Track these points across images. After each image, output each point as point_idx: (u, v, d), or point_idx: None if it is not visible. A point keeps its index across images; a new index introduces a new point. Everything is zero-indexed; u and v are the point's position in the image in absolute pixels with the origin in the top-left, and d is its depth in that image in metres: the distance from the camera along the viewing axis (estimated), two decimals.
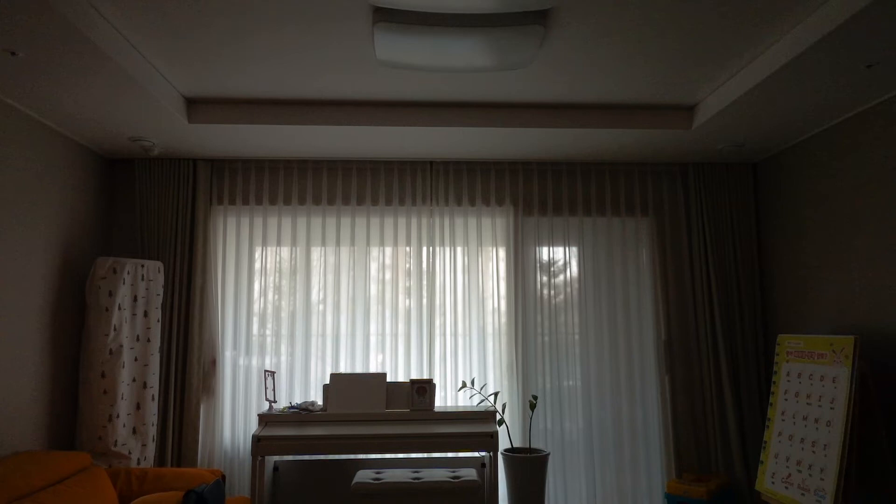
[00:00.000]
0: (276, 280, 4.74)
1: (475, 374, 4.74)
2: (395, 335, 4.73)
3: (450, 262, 4.82)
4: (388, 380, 4.49)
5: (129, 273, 4.04)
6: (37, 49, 2.90)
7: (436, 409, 4.36)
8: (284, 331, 4.69)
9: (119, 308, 3.96)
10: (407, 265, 4.80)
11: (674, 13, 2.93)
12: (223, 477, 3.80)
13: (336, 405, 4.28)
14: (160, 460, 4.34)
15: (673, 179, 4.99)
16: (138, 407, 4.08)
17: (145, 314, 4.17)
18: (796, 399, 3.80)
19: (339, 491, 4.48)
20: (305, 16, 2.94)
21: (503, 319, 4.84)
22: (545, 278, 4.88)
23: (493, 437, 4.10)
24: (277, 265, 4.76)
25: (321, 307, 4.73)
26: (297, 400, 4.60)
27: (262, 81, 3.69)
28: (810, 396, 3.69)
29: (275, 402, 4.39)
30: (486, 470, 4.43)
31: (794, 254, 4.46)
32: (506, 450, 4.37)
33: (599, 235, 4.92)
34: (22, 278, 3.63)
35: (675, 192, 4.97)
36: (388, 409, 4.32)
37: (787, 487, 3.68)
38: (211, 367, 4.60)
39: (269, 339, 4.70)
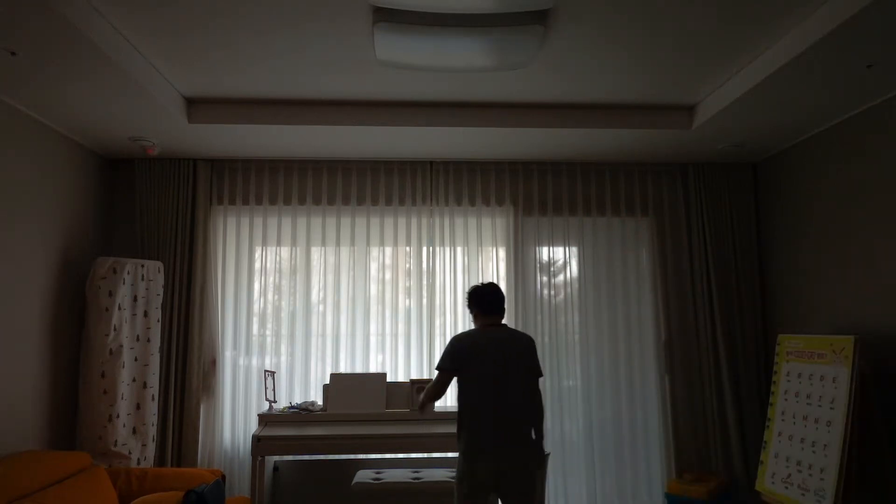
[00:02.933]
0: (276, 280, 4.73)
1: None
2: (395, 335, 4.72)
3: (450, 262, 4.82)
4: (388, 380, 4.49)
5: (129, 273, 4.04)
6: (37, 49, 2.90)
7: (436, 409, 4.35)
8: (284, 331, 4.69)
9: (119, 308, 3.96)
10: (407, 265, 4.80)
11: (674, 13, 2.93)
12: (223, 477, 3.80)
13: (336, 405, 4.28)
14: (160, 460, 4.33)
15: (673, 179, 4.98)
16: (138, 407, 4.08)
17: (145, 314, 4.17)
18: (796, 399, 3.80)
19: (339, 491, 4.48)
20: (305, 16, 2.94)
21: (503, 320, 4.83)
22: (545, 278, 4.88)
23: None
24: (277, 265, 4.75)
25: (321, 307, 4.72)
26: (297, 400, 4.60)
27: (261, 81, 3.69)
28: (810, 396, 3.69)
29: (275, 402, 4.39)
30: None
31: (794, 253, 4.46)
32: None
33: (599, 235, 4.92)
34: (22, 278, 3.63)
35: (675, 192, 4.97)
36: (388, 409, 4.31)
37: (787, 487, 3.68)
38: (211, 367, 4.60)
39: (269, 339, 4.70)
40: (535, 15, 2.89)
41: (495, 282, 3.92)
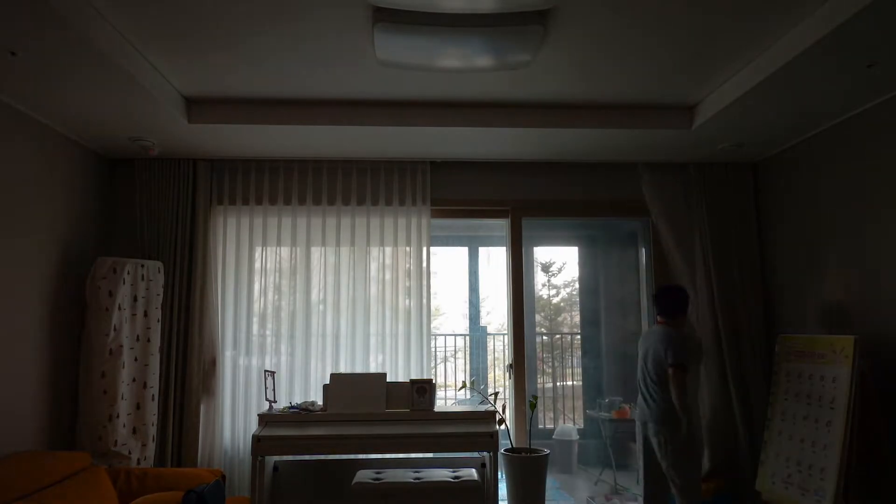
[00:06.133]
0: (276, 280, 4.73)
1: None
2: (395, 335, 4.72)
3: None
4: (388, 380, 4.48)
5: (129, 273, 4.04)
6: (37, 49, 2.90)
7: (436, 410, 4.35)
8: (284, 331, 4.69)
9: (119, 308, 3.96)
10: (407, 265, 4.80)
11: (674, 13, 2.93)
12: (223, 477, 3.80)
13: (336, 405, 4.28)
14: (160, 460, 4.33)
15: (673, 179, 4.97)
16: (138, 407, 4.08)
17: (145, 314, 4.16)
18: (796, 399, 3.80)
19: (339, 491, 4.48)
20: (305, 16, 2.94)
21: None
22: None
23: (493, 437, 4.09)
24: (277, 265, 4.75)
25: (321, 307, 4.72)
26: (297, 400, 4.60)
27: (261, 81, 3.69)
28: (810, 396, 3.69)
29: (275, 402, 4.39)
30: (486, 470, 4.43)
31: (794, 254, 4.46)
32: (506, 450, 4.37)
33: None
34: (22, 278, 3.63)
35: (676, 192, 4.96)
36: (388, 409, 4.31)
37: (787, 487, 3.68)
38: (211, 367, 4.60)
39: (269, 339, 4.70)
40: (535, 15, 2.89)
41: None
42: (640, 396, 3.95)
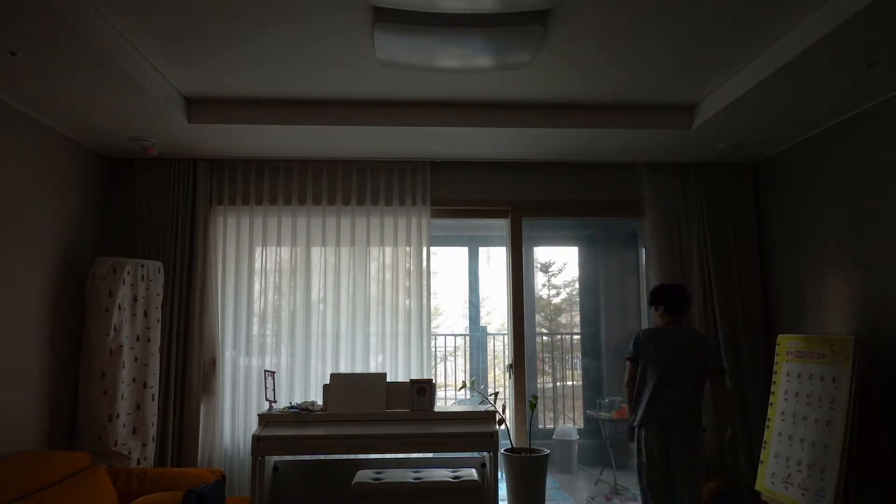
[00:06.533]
0: (276, 280, 4.73)
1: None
2: (395, 335, 4.72)
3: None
4: (388, 380, 4.48)
5: (129, 273, 4.04)
6: (37, 49, 2.90)
7: (436, 410, 4.35)
8: (284, 331, 4.69)
9: (119, 308, 3.96)
10: (407, 265, 4.80)
11: (674, 13, 2.93)
12: (223, 477, 3.80)
13: (336, 405, 4.28)
14: (160, 460, 4.33)
15: (673, 179, 4.97)
16: (138, 407, 4.08)
17: (145, 314, 4.16)
18: (796, 399, 3.80)
19: (339, 491, 4.48)
20: (305, 16, 2.94)
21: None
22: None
23: (493, 437, 4.10)
24: (277, 265, 4.75)
25: (321, 307, 4.72)
26: (297, 400, 4.60)
27: (262, 81, 3.69)
28: (810, 396, 3.69)
29: (275, 402, 4.39)
30: (486, 470, 4.43)
31: (794, 254, 4.46)
32: (506, 450, 4.37)
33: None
34: (22, 278, 3.63)
35: (675, 192, 4.96)
36: (388, 409, 4.31)
37: (787, 487, 3.68)
38: (210, 367, 4.60)
39: (269, 339, 4.70)
40: (535, 15, 2.89)
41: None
42: (660, 400, 3.69)
